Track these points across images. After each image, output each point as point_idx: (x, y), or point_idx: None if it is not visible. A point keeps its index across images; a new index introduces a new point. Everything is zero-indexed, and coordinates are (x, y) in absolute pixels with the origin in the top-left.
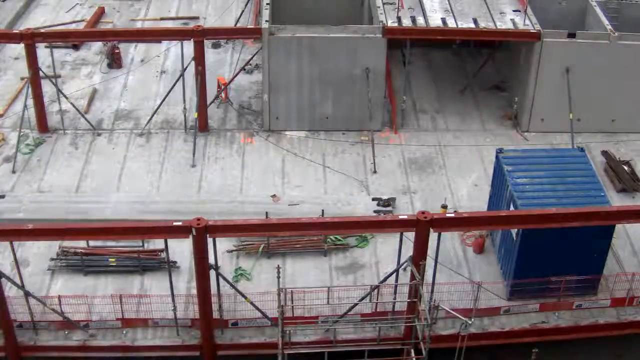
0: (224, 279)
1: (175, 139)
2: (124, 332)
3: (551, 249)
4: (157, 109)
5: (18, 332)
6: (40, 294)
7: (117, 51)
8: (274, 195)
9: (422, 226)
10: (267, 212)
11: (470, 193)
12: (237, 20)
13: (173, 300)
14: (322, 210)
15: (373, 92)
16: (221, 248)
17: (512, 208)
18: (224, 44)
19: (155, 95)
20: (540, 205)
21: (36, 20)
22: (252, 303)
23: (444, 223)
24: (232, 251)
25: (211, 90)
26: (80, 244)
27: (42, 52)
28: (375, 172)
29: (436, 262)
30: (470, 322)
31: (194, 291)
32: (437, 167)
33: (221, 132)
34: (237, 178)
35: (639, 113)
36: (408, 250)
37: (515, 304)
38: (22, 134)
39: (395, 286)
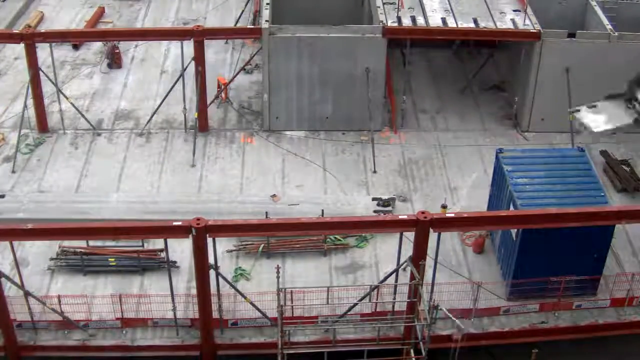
0: (224, 279)
1: (175, 139)
2: (124, 332)
3: (551, 249)
4: (157, 109)
5: (18, 332)
6: (40, 293)
7: (117, 51)
8: (274, 195)
9: (422, 226)
10: (267, 212)
11: (470, 193)
12: (237, 21)
13: (173, 300)
14: (322, 210)
15: (373, 92)
16: (221, 248)
17: (512, 208)
18: (224, 44)
19: (155, 95)
20: (540, 205)
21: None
22: (251, 303)
23: (443, 223)
24: (231, 251)
25: (211, 90)
26: (80, 244)
27: (43, 52)
28: (375, 172)
29: (436, 262)
30: (463, 329)
31: (194, 291)
32: (437, 167)
33: (221, 132)
34: (237, 178)
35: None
36: (408, 250)
37: (515, 304)
38: (22, 134)
39: (395, 286)
